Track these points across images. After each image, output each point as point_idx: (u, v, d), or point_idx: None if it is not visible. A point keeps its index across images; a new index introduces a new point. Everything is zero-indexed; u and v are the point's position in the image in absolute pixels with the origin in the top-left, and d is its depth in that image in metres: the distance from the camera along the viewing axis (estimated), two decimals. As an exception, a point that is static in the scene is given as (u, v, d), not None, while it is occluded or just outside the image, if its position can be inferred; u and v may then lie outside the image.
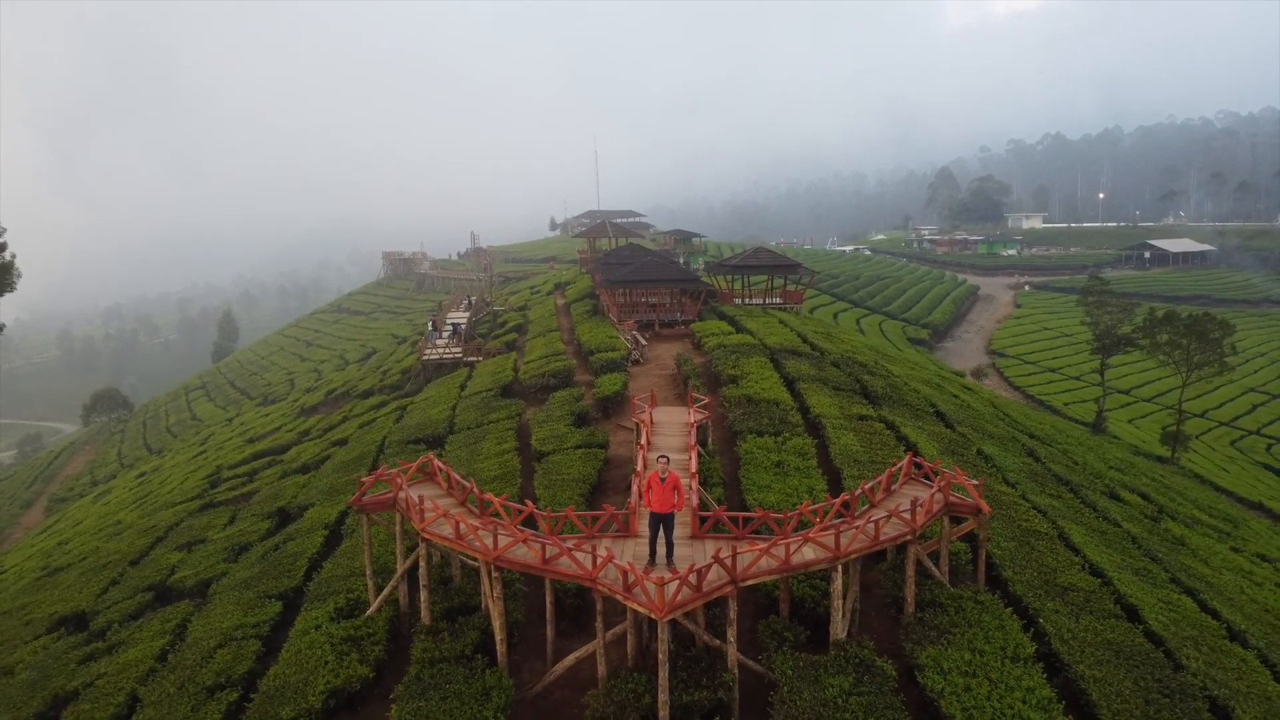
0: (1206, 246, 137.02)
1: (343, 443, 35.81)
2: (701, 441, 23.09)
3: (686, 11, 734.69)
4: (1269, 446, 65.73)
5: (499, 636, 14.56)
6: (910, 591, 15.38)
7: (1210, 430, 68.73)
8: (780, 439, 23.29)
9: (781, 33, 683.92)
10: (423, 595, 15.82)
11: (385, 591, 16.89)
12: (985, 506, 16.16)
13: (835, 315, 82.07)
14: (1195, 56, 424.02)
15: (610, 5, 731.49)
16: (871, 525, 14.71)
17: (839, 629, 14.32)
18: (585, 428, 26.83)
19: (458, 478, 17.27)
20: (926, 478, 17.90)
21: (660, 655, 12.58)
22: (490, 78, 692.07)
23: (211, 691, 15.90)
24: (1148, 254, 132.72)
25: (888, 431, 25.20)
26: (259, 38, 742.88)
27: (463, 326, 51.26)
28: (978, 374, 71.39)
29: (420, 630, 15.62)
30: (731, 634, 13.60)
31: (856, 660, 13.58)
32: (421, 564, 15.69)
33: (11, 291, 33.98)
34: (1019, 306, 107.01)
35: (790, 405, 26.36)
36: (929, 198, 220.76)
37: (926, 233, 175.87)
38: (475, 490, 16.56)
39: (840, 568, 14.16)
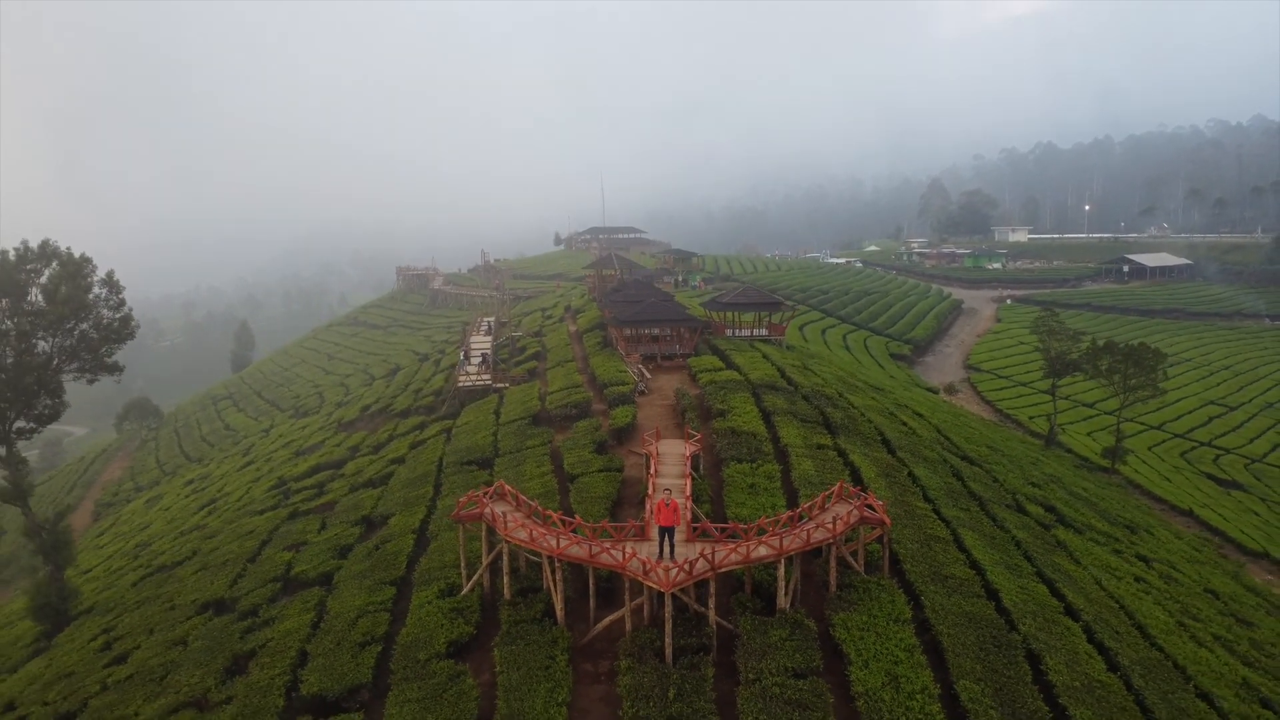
0: (1183, 260, 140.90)
1: (400, 460, 43.03)
2: (695, 467, 30.50)
3: (686, 18, 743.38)
4: (1217, 458, 69.90)
5: (559, 606, 22.06)
6: (833, 577, 22.83)
7: (1165, 441, 72.98)
8: (755, 465, 30.68)
9: (779, 38, 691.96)
10: (505, 579, 23.35)
11: (474, 578, 24.36)
12: (888, 520, 23.60)
13: (823, 331, 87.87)
14: (1191, 63, 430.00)
15: (610, 10, 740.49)
16: (805, 532, 22.11)
17: (783, 601, 21.74)
18: (604, 454, 34.09)
19: (524, 498, 24.74)
20: (856, 497, 25.26)
21: (666, 616, 20.01)
22: (491, 81, 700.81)
23: (361, 646, 23.38)
24: (1126, 268, 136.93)
25: (839, 458, 32.63)
26: (261, 41, 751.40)
27: (489, 355, 58.64)
28: (950, 390, 77.57)
29: (504, 603, 23.20)
30: (712, 604, 21.07)
31: (793, 621, 21.02)
32: (505, 558, 23.19)
33: (132, 339, 41.10)
34: (999, 320, 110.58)
35: (765, 436, 33.75)
36: (921, 208, 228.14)
37: (916, 245, 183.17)
38: (538, 507, 24.04)
39: (783, 561, 21.57)
